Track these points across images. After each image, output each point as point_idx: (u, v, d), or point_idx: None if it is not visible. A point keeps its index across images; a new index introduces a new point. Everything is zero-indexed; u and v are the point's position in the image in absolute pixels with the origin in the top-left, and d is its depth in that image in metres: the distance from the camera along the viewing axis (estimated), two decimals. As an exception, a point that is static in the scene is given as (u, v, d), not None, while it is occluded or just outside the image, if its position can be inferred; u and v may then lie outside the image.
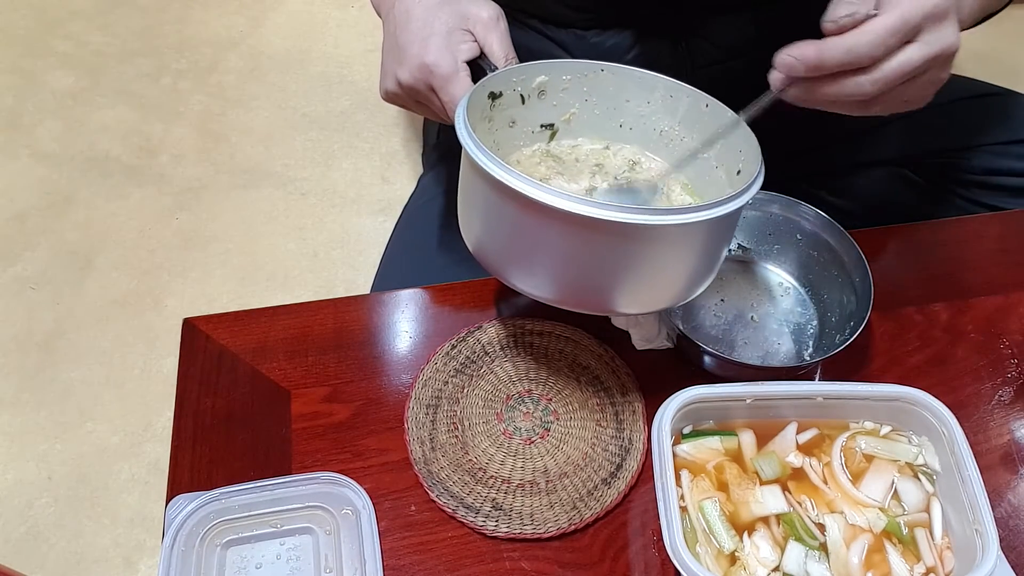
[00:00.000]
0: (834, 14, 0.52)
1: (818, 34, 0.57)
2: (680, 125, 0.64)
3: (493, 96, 0.61)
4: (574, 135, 0.67)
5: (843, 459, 0.55)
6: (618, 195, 0.63)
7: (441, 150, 0.97)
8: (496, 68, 0.60)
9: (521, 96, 0.62)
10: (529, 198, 0.49)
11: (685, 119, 0.63)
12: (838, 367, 0.66)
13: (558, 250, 0.53)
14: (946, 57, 0.54)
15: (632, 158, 0.66)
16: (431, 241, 0.86)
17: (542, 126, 0.65)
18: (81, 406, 1.25)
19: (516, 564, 0.57)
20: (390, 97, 0.65)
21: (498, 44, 0.61)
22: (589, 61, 0.63)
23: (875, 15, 0.52)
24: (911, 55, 0.52)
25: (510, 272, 0.57)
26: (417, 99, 0.63)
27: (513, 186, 0.49)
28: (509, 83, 0.61)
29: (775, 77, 0.55)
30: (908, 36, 0.52)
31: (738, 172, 0.60)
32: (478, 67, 0.61)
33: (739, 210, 0.52)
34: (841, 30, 0.52)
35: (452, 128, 1.01)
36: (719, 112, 0.60)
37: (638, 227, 0.49)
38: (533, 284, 0.56)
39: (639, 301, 0.56)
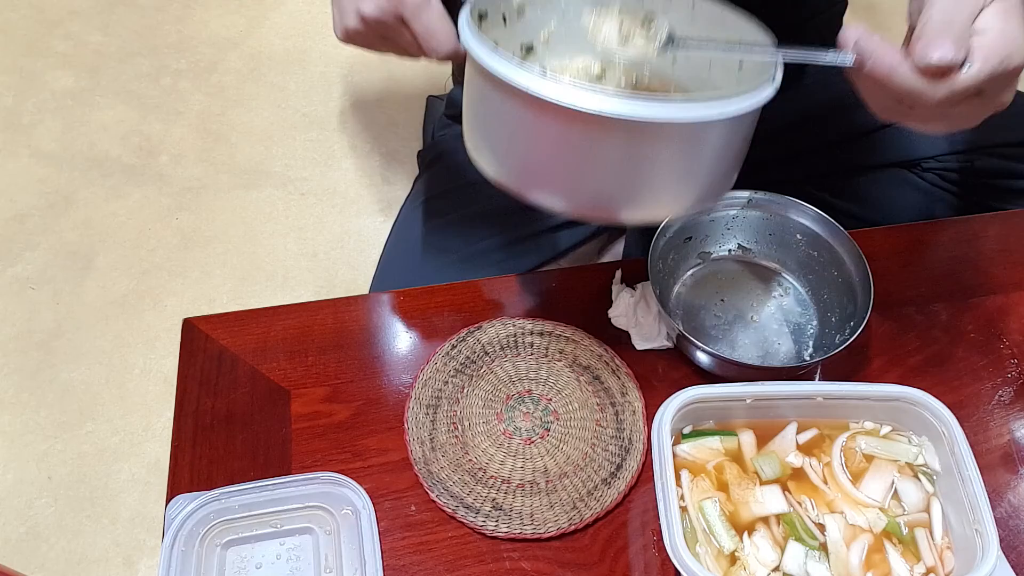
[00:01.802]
0: (927, 55, 0.48)
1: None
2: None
3: (481, 16, 0.57)
4: (554, 55, 0.62)
5: (843, 459, 0.55)
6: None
7: (436, 150, 0.97)
8: None
9: (503, 16, 0.58)
10: (546, 98, 0.46)
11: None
12: (838, 367, 0.66)
13: (574, 144, 0.49)
14: (995, 110, 0.52)
15: (629, 77, 0.61)
16: (428, 242, 0.86)
17: (520, 46, 0.61)
18: (81, 406, 1.25)
19: (516, 564, 0.57)
20: (350, 36, 0.60)
21: None
22: None
23: (962, 68, 0.48)
24: (965, 105, 0.51)
25: (530, 181, 0.53)
26: (384, 34, 0.59)
27: (523, 83, 0.46)
28: (495, 3, 0.57)
29: (845, 39, 0.52)
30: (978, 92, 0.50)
31: (740, 66, 0.56)
32: None
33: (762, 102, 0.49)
34: (926, 70, 0.49)
35: (446, 127, 1.00)
36: (711, 12, 0.56)
37: (665, 123, 0.46)
38: (555, 191, 0.52)
39: (664, 201, 0.52)
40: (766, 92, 0.50)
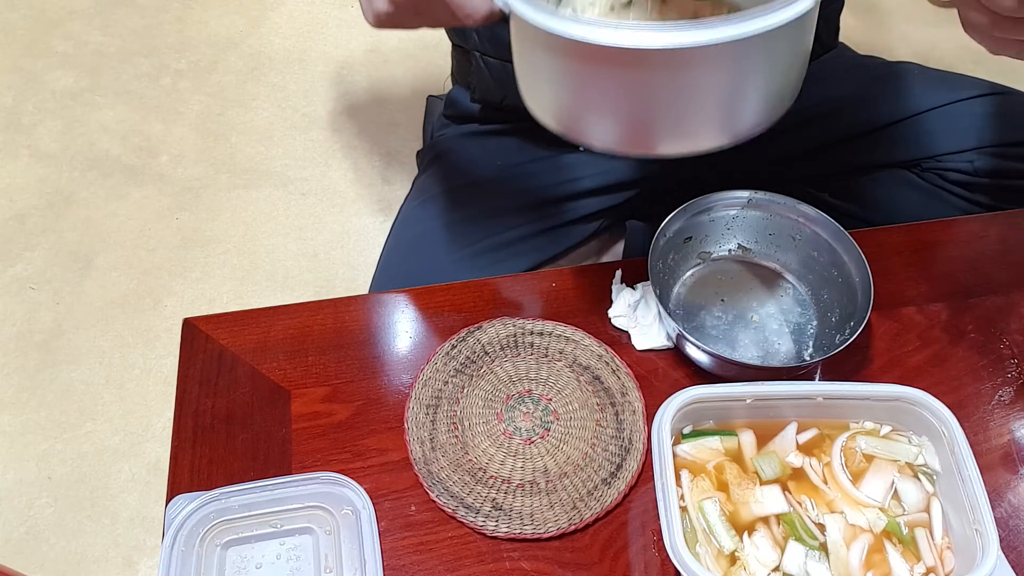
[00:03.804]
0: None
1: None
2: None
3: None
4: None
5: (843, 459, 0.55)
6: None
7: (435, 150, 0.97)
8: None
9: None
10: (597, 43, 0.45)
11: None
12: (838, 367, 0.66)
13: (614, 80, 0.48)
14: None
15: None
16: (428, 241, 0.86)
17: None
18: (81, 406, 1.24)
19: (516, 564, 0.57)
20: (382, 19, 0.59)
21: None
22: None
23: None
24: None
25: (580, 124, 0.53)
26: (416, 9, 0.58)
27: (574, 33, 0.46)
28: None
29: None
30: None
31: None
32: None
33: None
34: None
35: (446, 127, 0.99)
36: None
37: (699, 48, 0.45)
38: (607, 130, 0.52)
39: (717, 127, 0.52)
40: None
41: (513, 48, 0.55)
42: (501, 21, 0.53)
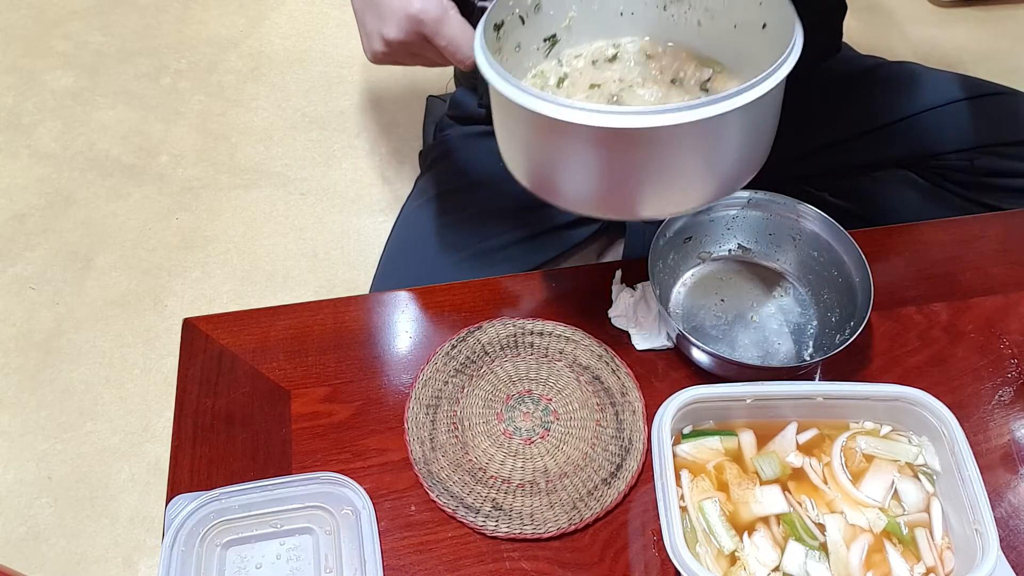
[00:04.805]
0: None
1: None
2: None
3: (497, 27, 0.58)
4: (575, 42, 0.63)
5: (843, 459, 0.55)
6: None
7: (439, 150, 0.97)
8: None
9: (520, 18, 0.60)
10: (565, 121, 0.47)
11: None
12: (838, 367, 0.66)
13: (587, 156, 0.51)
14: None
15: (646, 51, 0.62)
16: (429, 242, 0.86)
17: (544, 40, 0.62)
18: (81, 406, 1.25)
19: (516, 564, 0.57)
20: (379, 58, 0.62)
21: None
22: None
23: None
24: None
25: (554, 191, 0.55)
26: (411, 51, 0.61)
27: (540, 110, 0.47)
28: (507, 8, 0.59)
29: None
30: None
31: (764, 26, 0.57)
32: (462, 2, 0.59)
33: (782, 82, 0.49)
34: None
35: (450, 127, 1.00)
36: None
37: (661, 128, 0.46)
38: (582, 199, 0.54)
39: (695, 193, 0.53)
40: (779, 73, 0.49)
41: (492, 108, 0.57)
42: None
